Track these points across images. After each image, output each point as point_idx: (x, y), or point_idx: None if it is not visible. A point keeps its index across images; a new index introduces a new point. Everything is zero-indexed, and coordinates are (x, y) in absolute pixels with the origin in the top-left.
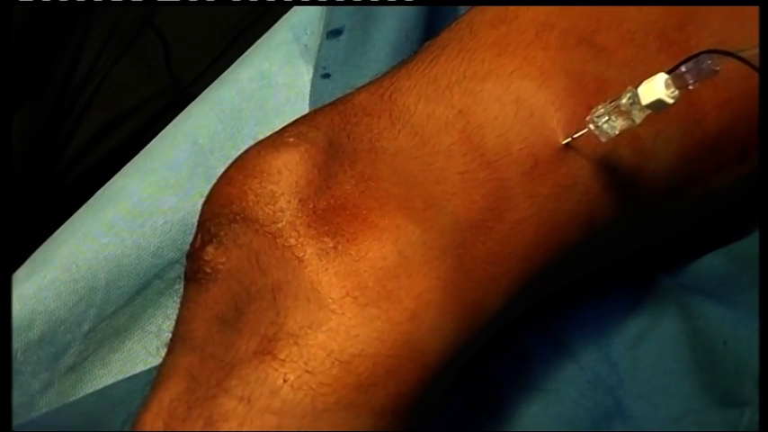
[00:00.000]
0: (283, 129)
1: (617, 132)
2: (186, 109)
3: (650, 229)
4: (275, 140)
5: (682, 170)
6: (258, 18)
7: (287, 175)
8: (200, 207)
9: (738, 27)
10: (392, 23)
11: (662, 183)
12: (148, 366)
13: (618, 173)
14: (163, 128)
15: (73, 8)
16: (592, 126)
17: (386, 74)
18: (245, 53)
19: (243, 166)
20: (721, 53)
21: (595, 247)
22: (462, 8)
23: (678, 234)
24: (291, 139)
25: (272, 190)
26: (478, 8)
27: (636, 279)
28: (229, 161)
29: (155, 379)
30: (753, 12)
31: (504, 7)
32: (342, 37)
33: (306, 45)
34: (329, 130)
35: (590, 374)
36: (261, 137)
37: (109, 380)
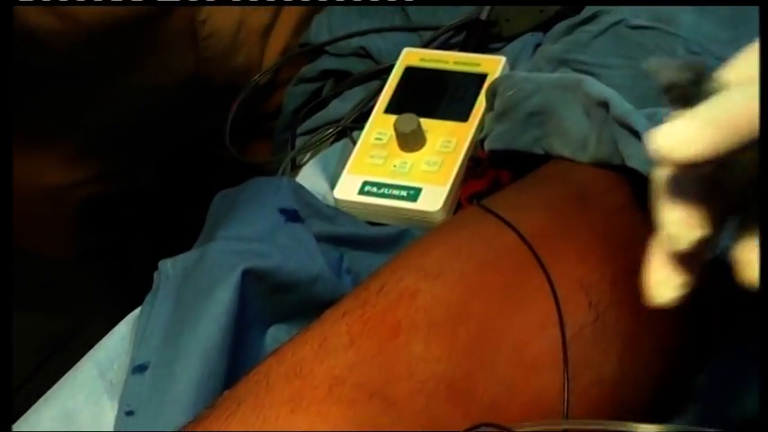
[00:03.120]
0: None
1: None
2: None
3: None
4: None
5: None
6: (69, 339)
7: None
8: None
9: (526, 372)
10: (196, 362)
11: None
12: None
13: None
14: None
15: None
16: None
17: (183, 430)
18: (49, 391)
19: None
20: (497, 427)
21: None
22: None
23: None
24: None
25: None
26: (275, 357)
27: None
28: None
29: None
30: (542, 357)
31: (299, 359)
32: (147, 373)
33: (111, 381)
34: None
35: None
36: None
37: None
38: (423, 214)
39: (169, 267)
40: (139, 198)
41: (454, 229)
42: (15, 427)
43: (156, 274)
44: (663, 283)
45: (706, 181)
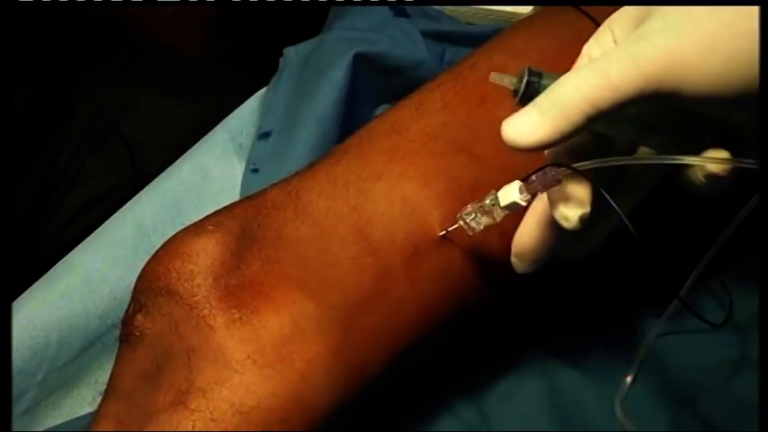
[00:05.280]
0: (206, 217)
1: (482, 227)
2: (134, 197)
3: (518, 305)
4: (197, 227)
5: None
6: (209, 122)
7: (204, 257)
8: None
9: None
10: (312, 128)
11: None
12: (91, 410)
13: (487, 260)
14: None
15: (53, 112)
16: (461, 222)
17: (296, 173)
18: (188, 151)
19: (169, 248)
20: (562, 166)
21: (469, 322)
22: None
23: (544, 310)
24: (210, 227)
25: (191, 269)
26: (377, 119)
27: (508, 345)
28: None
29: (90, 422)
30: None
31: (399, 118)
32: (270, 138)
33: (240, 144)
34: (243, 220)
35: (462, 423)
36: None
37: (58, 421)
38: (515, 15)
39: (292, 52)
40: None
41: (541, 17)
42: (161, 176)
43: (281, 59)
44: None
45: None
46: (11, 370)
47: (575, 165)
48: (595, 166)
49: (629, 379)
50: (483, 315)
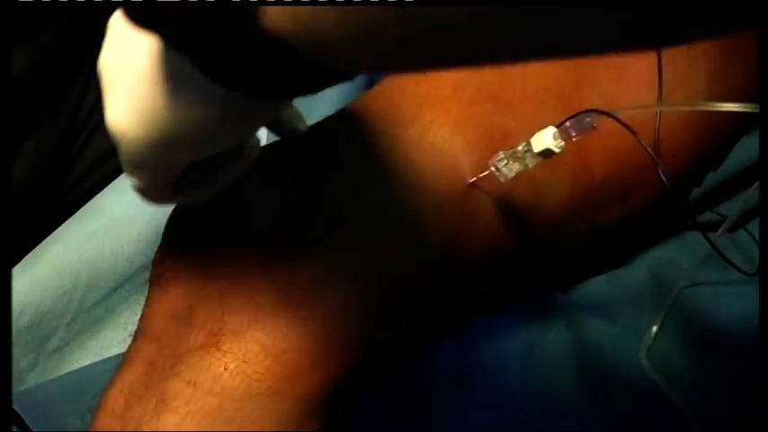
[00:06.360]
0: None
1: (513, 174)
2: None
3: (545, 255)
4: None
5: (572, 207)
6: None
7: None
8: None
9: (626, 88)
10: None
11: (554, 217)
12: (120, 351)
13: (516, 208)
14: None
15: (79, 53)
16: (493, 168)
17: (324, 119)
18: None
19: None
20: (599, 112)
21: (496, 270)
22: None
23: (571, 260)
24: None
25: None
26: None
27: (534, 295)
28: None
29: (120, 363)
30: (641, 75)
31: None
32: None
33: None
34: None
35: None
36: None
37: (86, 361)
38: None
39: None
40: None
41: None
42: None
43: None
44: None
45: None
46: (11, 367)
47: (614, 110)
48: (636, 112)
49: (654, 328)
50: (511, 262)
